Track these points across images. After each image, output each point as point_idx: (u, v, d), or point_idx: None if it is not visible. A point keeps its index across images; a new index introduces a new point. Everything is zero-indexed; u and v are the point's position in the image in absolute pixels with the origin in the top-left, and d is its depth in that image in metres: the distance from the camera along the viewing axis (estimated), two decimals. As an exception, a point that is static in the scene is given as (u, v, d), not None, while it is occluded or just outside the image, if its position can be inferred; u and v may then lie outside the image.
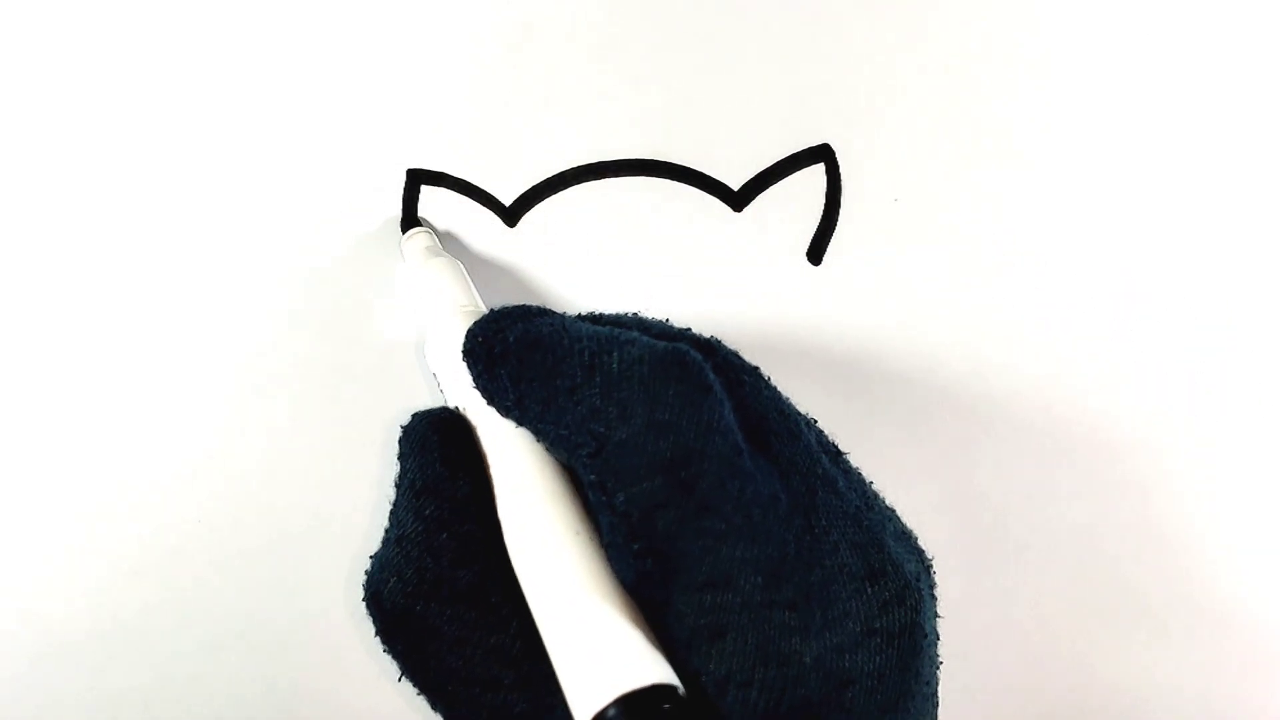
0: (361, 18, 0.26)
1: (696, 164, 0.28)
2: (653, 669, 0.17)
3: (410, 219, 0.28)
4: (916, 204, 0.28)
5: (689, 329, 0.22)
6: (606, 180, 0.28)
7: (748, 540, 0.18)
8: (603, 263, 0.28)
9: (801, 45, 0.27)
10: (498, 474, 0.21)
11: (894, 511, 0.22)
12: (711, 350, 0.21)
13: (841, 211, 0.28)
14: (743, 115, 0.27)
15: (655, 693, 0.17)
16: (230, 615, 0.30)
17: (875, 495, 0.22)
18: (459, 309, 0.24)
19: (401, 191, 0.27)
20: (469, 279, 0.26)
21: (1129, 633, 0.31)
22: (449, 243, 0.28)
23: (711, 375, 0.19)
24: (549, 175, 0.28)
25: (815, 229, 0.28)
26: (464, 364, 0.21)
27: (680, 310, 0.29)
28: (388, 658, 0.22)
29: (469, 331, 0.21)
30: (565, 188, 0.28)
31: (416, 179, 0.27)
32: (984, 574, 0.30)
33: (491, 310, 0.21)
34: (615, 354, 0.19)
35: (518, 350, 0.20)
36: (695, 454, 0.18)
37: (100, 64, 0.26)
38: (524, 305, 0.21)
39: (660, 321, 0.22)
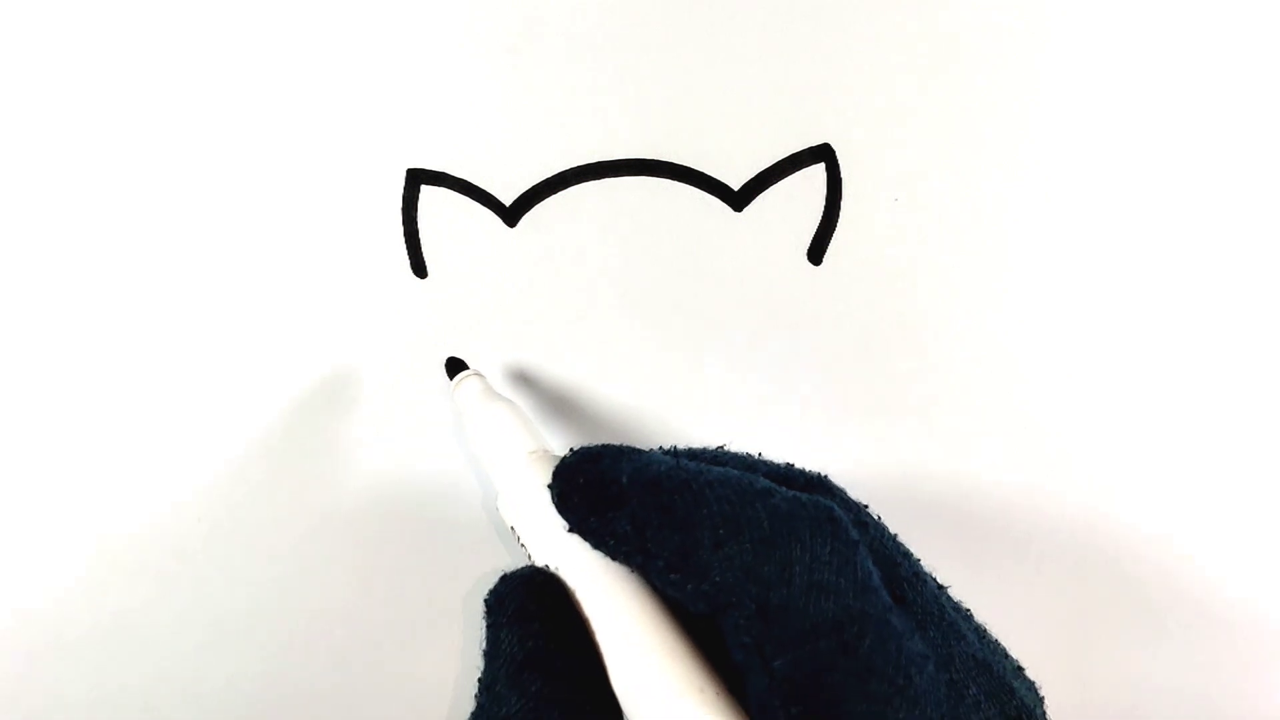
0: (361, 18, 0.26)
1: (696, 164, 0.28)
2: None
3: (455, 364, 0.27)
4: (916, 204, 0.28)
5: (792, 464, 0.21)
6: (606, 180, 0.28)
7: (910, 703, 0.17)
8: (603, 263, 0.28)
9: (801, 45, 0.27)
10: (606, 634, 0.19)
11: (999, 642, 0.21)
12: (828, 490, 0.21)
13: (841, 211, 0.28)
14: (743, 115, 0.27)
15: None
16: (231, 615, 0.30)
17: (984, 629, 0.21)
18: (531, 455, 0.23)
19: (401, 191, 0.27)
20: (531, 420, 0.25)
21: (1129, 632, 0.31)
22: (449, 242, 0.28)
23: (854, 530, 0.19)
24: (549, 175, 0.28)
25: (815, 229, 0.28)
26: (553, 512, 0.20)
27: (680, 310, 0.29)
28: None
29: (561, 473, 0.20)
30: (565, 188, 0.28)
31: (416, 179, 0.27)
32: (984, 573, 0.30)
33: (577, 450, 0.20)
34: (760, 507, 0.18)
35: (638, 493, 0.19)
36: (857, 615, 0.17)
37: (100, 65, 0.26)
38: (608, 445, 0.20)
39: (749, 456, 0.21)
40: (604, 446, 0.20)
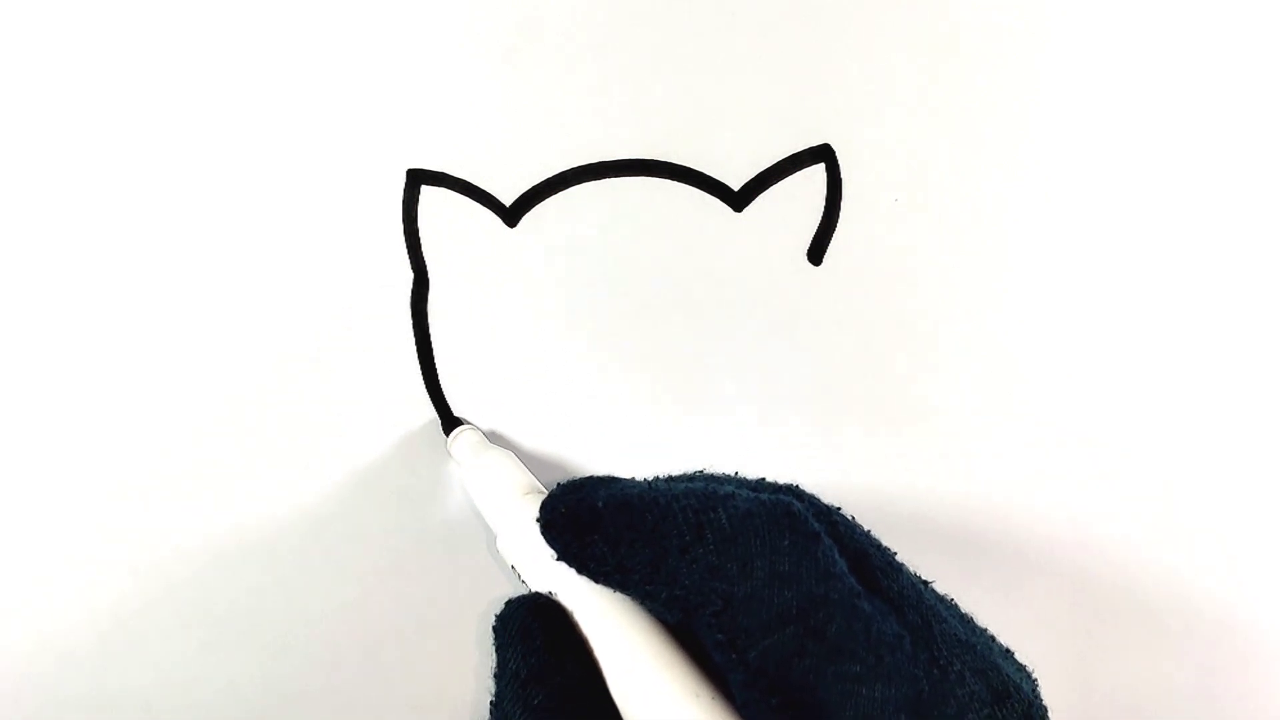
0: (361, 18, 0.26)
1: (696, 164, 0.28)
2: None
3: (448, 420, 0.28)
4: (916, 204, 0.28)
5: (764, 478, 0.22)
6: (606, 180, 0.28)
7: (884, 680, 0.18)
8: (603, 263, 0.28)
9: (801, 45, 0.27)
10: (603, 650, 0.20)
11: (986, 629, 0.22)
12: (797, 495, 0.21)
13: (841, 211, 0.28)
14: (743, 115, 0.27)
15: None
16: (231, 615, 0.30)
17: (970, 617, 0.22)
18: (524, 495, 0.25)
19: (401, 191, 0.27)
20: (523, 465, 0.26)
21: (1129, 633, 0.31)
22: (449, 242, 0.28)
23: (815, 522, 0.19)
24: (549, 175, 0.28)
25: (815, 229, 0.28)
26: (545, 543, 0.21)
27: (680, 310, 0.29)
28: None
29: (546, 505, 0.21)
30: (565, 188, 0.28)
31: (416, 179, 0.27)
32: (984, 574, 0.30)
33: (562, 483, 0.21)
34: (721, 510, 0.19)
35: (610, 514, 0.20)
36: (820, 600, 0.18)
37: (100, 65, 0.26)
38: (589, 476, 0.21)
39: (730, 475, 0.22)
40: (587, 478, 0.21)
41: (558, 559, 0.21)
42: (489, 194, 0.28)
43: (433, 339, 0.28)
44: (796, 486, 0.22)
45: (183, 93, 0.26)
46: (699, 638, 0.19)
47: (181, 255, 0.27)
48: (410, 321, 0.28)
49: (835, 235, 0.28)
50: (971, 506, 0.31)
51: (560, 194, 0.28)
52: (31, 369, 0.27)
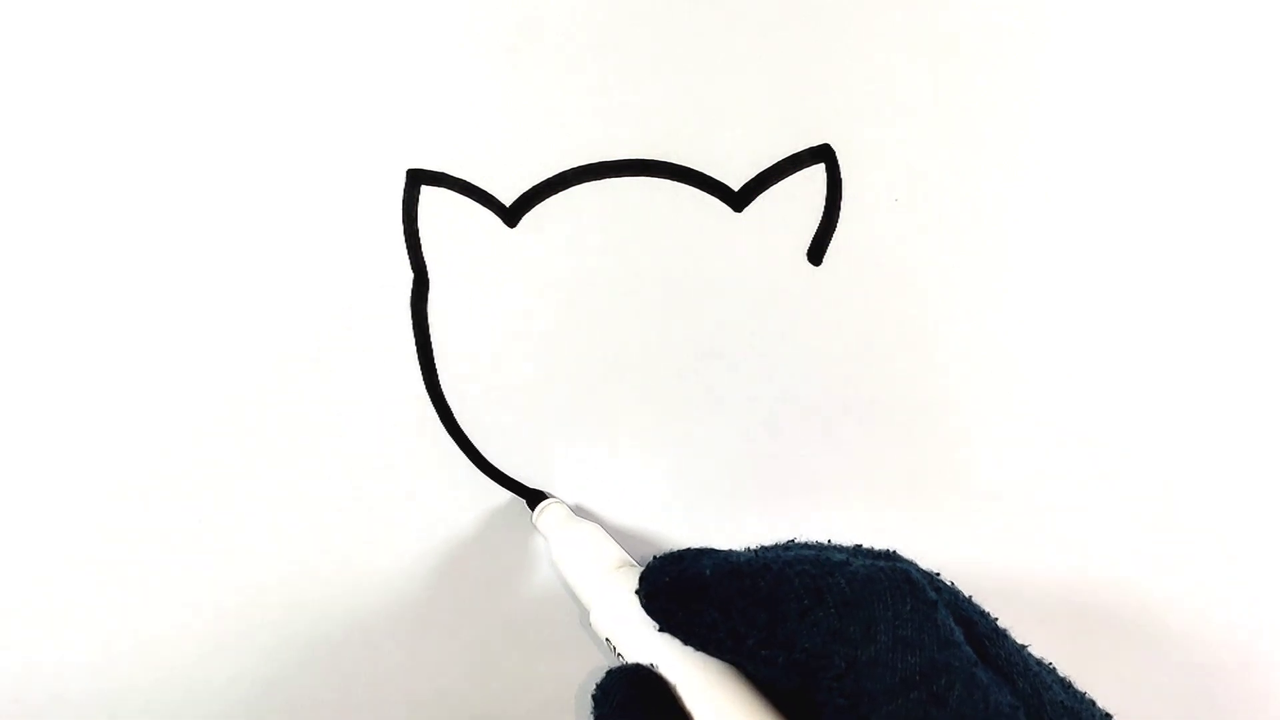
0: (361, 18, 0.26)
1: (696, 164, 0.28)
2: None
3: (532, 495, 0.29)
4: (916, 204, 0.28)
5: (860, 545, 0.22)
6: (606, 180, 0.28)
7: None
8: (603, 263, 0.28)
9: (801, 45, 0.27)
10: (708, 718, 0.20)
11: (1085, 694, 0.22)
12: (895, 560, 0.21)
13: (841, 211, 0.28)
14: (743, 115, 0.27)
15: None
16: (231, 615, 0.30)
17: (1069, 681, 0.22)
18: (617, 568, 0.25)
19: (401, 191, 0.27)
20: (611, 538, 0.27)
21: (1129, 633, 0.31)
22: (449, 242, 0.28)
23: (931, 591, 0.20)
24: (549, 175, 0.28)
25: (815, 229, 0.28)
26: (644, 617, 0.21)
27: (680, 310, 0.29)
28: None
29: (647, 577, 0.21)
30: (565, 188, 0.28)
31: (416, 179, 0.27)
32: (984, 574, 0.30)
33: (659, 556, 0.21)
34: (839, 575, 0.19)
35: (721, 581, 0.20)
36: (942, 667, 0.18)
37: (100, 65, 0.26)
38: (686, 548, 0.21)
39: (822, 543, 0.22)
40: (685, 550, 0.21)
41: (660, 629, 0.21)
42: (489, 194, 0.28)
43: (433, 339, 0.28)
44: (894, 552, 0.22)
45: (183, 93, 0.26)
46: (817, 702, 0.19)
47: (182, 255, 0.27)
48: (410, 321, 0.28)
49: (835, 235, 0.28)
50: (971, 506, 0.31)
51: (560, 194, 0.28)
52: (32, 369, 0.27)
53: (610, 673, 0.22)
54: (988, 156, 0.28)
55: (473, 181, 0.28)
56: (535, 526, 0.29)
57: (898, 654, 0.18)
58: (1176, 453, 0.30)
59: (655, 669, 0.22)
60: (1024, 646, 0.21)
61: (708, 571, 0.20)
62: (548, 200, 0.28)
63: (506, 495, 0.30)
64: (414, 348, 0.28)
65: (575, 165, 0.28)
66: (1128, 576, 0.31)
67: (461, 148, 0.27)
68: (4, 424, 0.28)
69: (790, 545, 0.22)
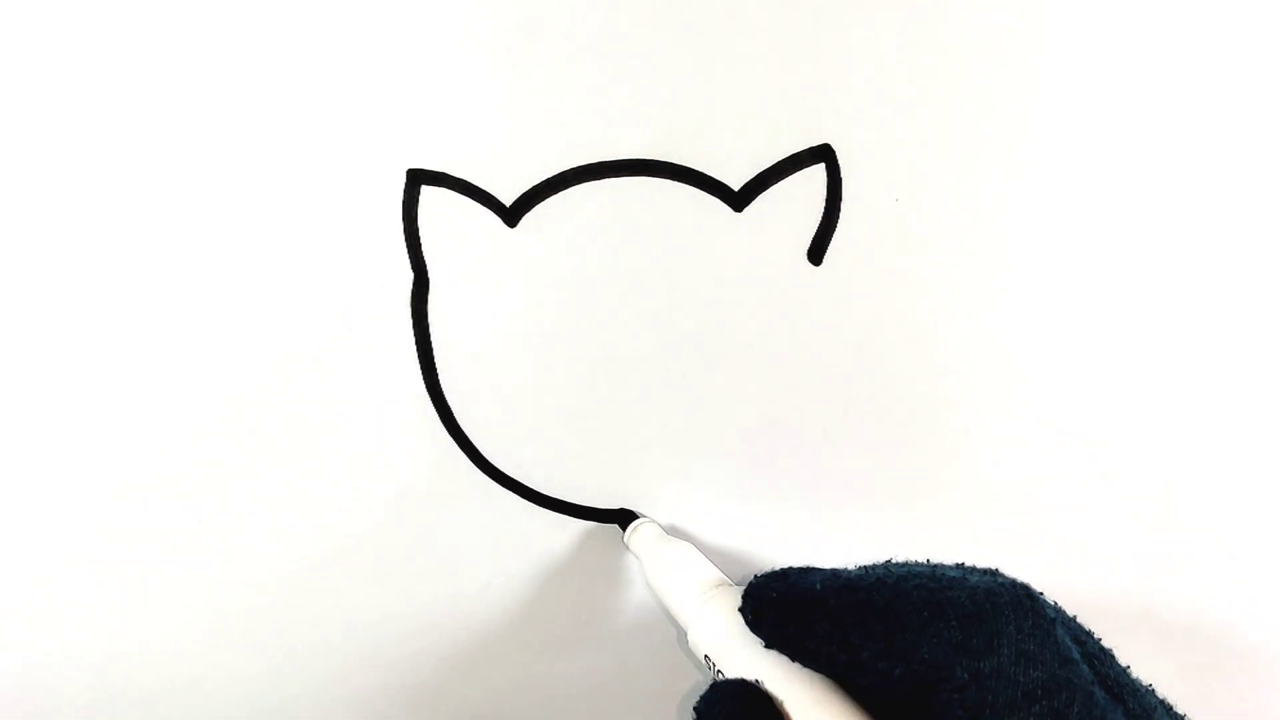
0: (361, 18, 0.26)
1: (696, 164, 0.28)
2: None
3: (624, 516, 0.29)
4: (916, 204, 0.28)
5: (963, 563, 0.22)
6: (606, 180, 0.28)
7: None
8: (603, 263, 0.28)
9: (801, 45, 0.27)
10: None
11: (1185, 716, 0.22)
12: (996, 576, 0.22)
13: (841, 211, 0.28)
14: (743, 115, 0.27)
15: None
16: (232, 615, 0.30)
17: (1170, 704, 0.22)
18: (715, 587, 0.25)
19: (401, 191, 0.27)
20: (705, 557, 0.27)
21: (1129, 632, 0.31)
22: (449, 242, 0.28)
23: (1050, 609, 0.20)
24: (549, 175, 0.28)
25: (815, 229, 0.28)
26: (745, 633, 0.21)
27: (680, 311, 0.29)
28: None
29: (752, 594, 0.21)
30: (565, 188, 0.28)
31: (416, 179, 0.27)
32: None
33: (760, 574, 0.22)
34: (958, 590, 0.19)
35: (834, 595, 0.20)
36: (1063, 683, 0.18)
37: (100, 65, 0.26)
38: (788, 566, 0.22)
39: (924, 562, 0.22)
40: (787, 568, 0.22)
41: (766, 646, 0.21)
42: (489, 194, 0.28)
43: (433, 339, 0.28)
44: (998, 570, 0.22)
45: (183, 93, 0.26)
46: (934, 714, 0.19)
47: (182, 255, 0.27)
48: (410, 321, 0.28)
49: (835, 235, 0.28)
50: (971, 506, 0.31)
51: (560, 194, 0.28)
52: (32, 369, 0.27)
53: (715, 685, 0.22)
54: (988, 156, 0.28)
55: (473, 181, 0.28)
56: (627, 546, 0.29)
57: (1020, 668, 0.18)
58: (1176, 453, 0.30)
59: (761, 684, 0.22)
60: (1127, 667, 0.21)
61: (818, 585, 0.20)
62: (548, 200, 0.28)
63: (506, 495, 0.30)
64: (414, 348, 0.28)
65: (575, 165, 0.28)
66: (1128, 576, 0.31)
67: (461, 148, 0.27)
68: (4, 424, 0.28)
69: (888, 564, 0.22)
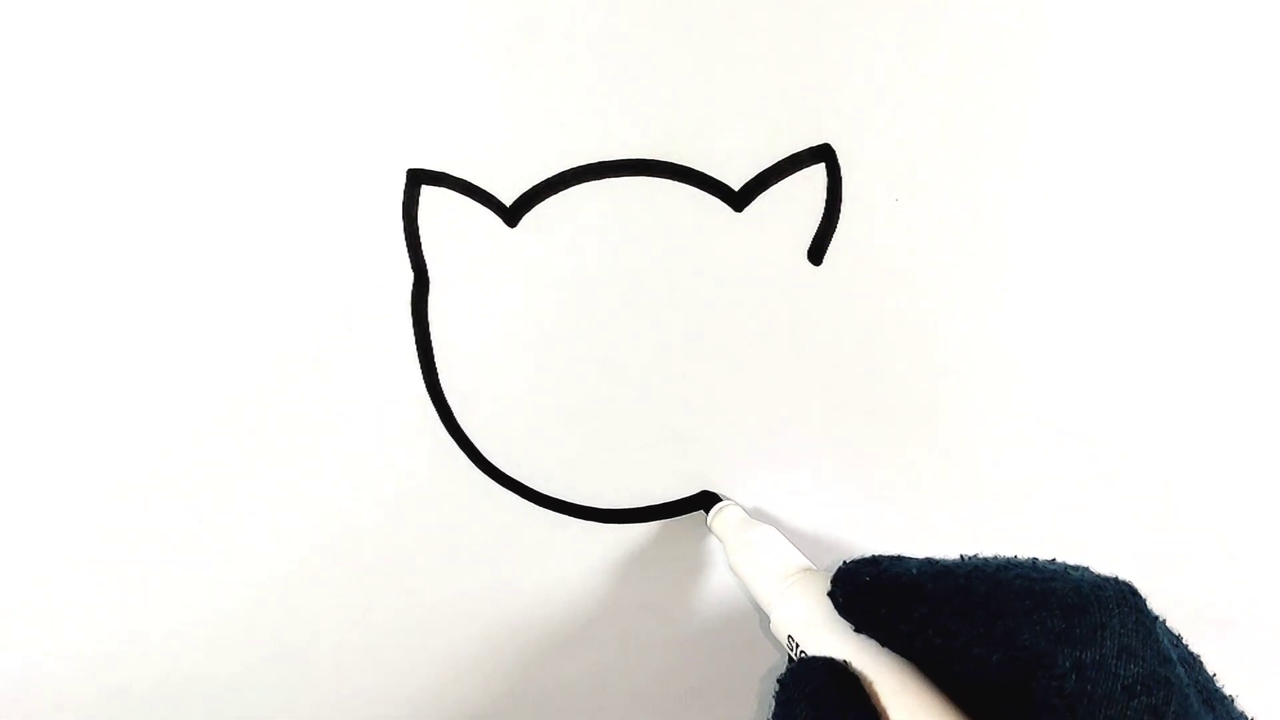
0: (361, 18, 0.26)
1: (696, 164, 0.28)
2: None
3: (706, 499, 0.30)
4: (916, 204, 0.28)
5: (1054, 559, 0.22)
6: (606, 180, 0.28)
7: None
8: (603, 263, 0.28)
9: (801, 45, 0.27)
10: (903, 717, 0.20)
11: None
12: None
13: (841, 211, 0.28)
14: (743, 115, 0.27)
15: None
16: (232, 615, 0.30)
17: (1245, 715, 0.22)
18: (800, 571, 0.25)
19: (401, 192, 0.27)
20: (788, 541, 0.27)
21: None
22: (449, 242, 0.28)
23: (1149, 608, 0.20)
24: (549, 175, 0.28)
25: (815, 229, 0.28)
26: (833, 618, 0.21)
27: (680, 310, 0.29)
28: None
29: (843, 579, 0.21)
30: (565, 188, 0.28)
31: (416, 179, 0.27)
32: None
33: (850, 560, 0.22)
34: (1061, 581, 0.20)
35: (932, 580, 0.20)
36: (1162, 681, 0.18)
37: (100, 65, 0.26)
38: (878, 554, 0.22)
39: (1010, 557, 0.23)
40: (878, 555, 0.22)
41: (857, 629, 0.21)
42: (489, 194, 0.28)
43: (433, 339, 0.28)
44: (1088, 569, 0.22)
45: (183, 93, 0.26)
46: (1031, 701, 0.19)
47: (182, 255, 0.27)
48: (410, 321, 0.28)
49: (835, 235, 0.28)
50: (971, 506, 0.31)
51: (560, 194, 0.28)
52: (32, 369, 0.27)
53: (802, 660, 0.22)
54: (988, 156, 0.28)
55: (473, 181, 0.28)
56: (709, 528, 0.29)
57: (1121, 661, 0.18)
58: (1176, 453, 0.30)
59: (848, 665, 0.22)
60: (1214, 675, 0.21)
61: (914, 571, 0.20)
62: (548, 200, 0.28)
63: (506, 495, 0.30)
64: (414, 348, 0.28)
65: (575, 165, 0.28)
66: (1127, 576, 0.31)
67: (461, 148, 0.27)
68: (4, 424, 0.28)
69: (976, 558, 0.22)
